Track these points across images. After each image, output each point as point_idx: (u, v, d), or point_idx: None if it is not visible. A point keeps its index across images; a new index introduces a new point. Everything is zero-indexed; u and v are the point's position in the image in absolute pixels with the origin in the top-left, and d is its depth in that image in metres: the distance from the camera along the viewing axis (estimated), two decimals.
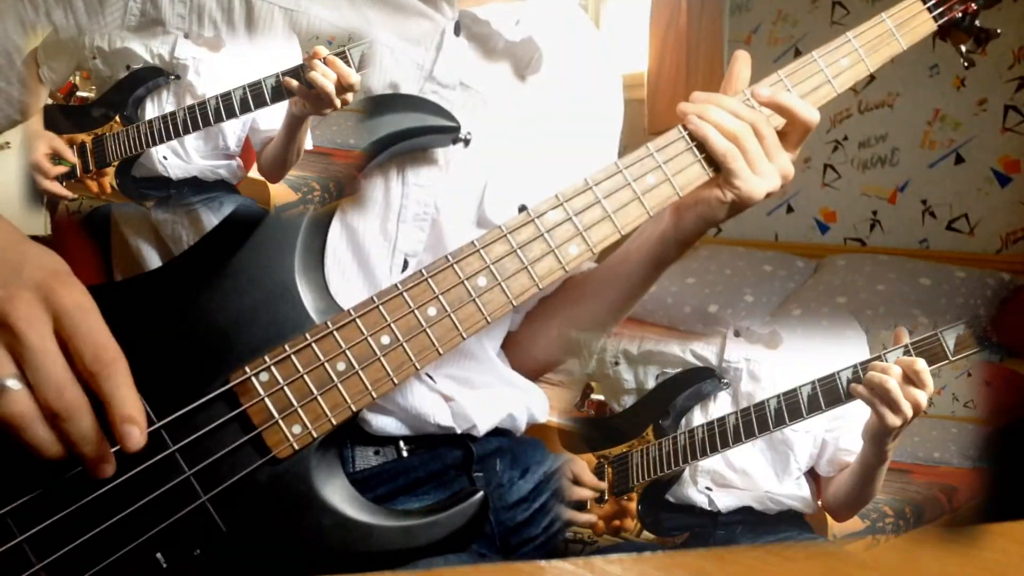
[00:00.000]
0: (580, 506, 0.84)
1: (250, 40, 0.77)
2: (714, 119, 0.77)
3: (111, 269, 0.83)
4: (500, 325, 0.91)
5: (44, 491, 0.63)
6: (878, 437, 0.78)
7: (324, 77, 0.73)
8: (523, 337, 0.95)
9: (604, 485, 0.84)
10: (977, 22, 0.89)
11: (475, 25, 0.82)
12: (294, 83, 0.73)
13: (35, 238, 0.65)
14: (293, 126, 0.75)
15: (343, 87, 0.73)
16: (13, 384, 0.57)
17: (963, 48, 0.90)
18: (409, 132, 0.75)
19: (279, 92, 0.74)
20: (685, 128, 0.78)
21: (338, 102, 0.73)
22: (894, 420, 0.76)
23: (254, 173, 0.77)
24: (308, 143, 0.75)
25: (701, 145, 0.78)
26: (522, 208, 0.76)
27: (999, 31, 0.90)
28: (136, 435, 0.58)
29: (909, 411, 0.76)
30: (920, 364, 0.76)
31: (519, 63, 0.86)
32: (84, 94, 0.76)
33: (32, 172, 0.75)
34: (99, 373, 0.58)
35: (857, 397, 0.78)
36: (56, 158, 0.75)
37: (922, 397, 0.76)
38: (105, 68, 0.75)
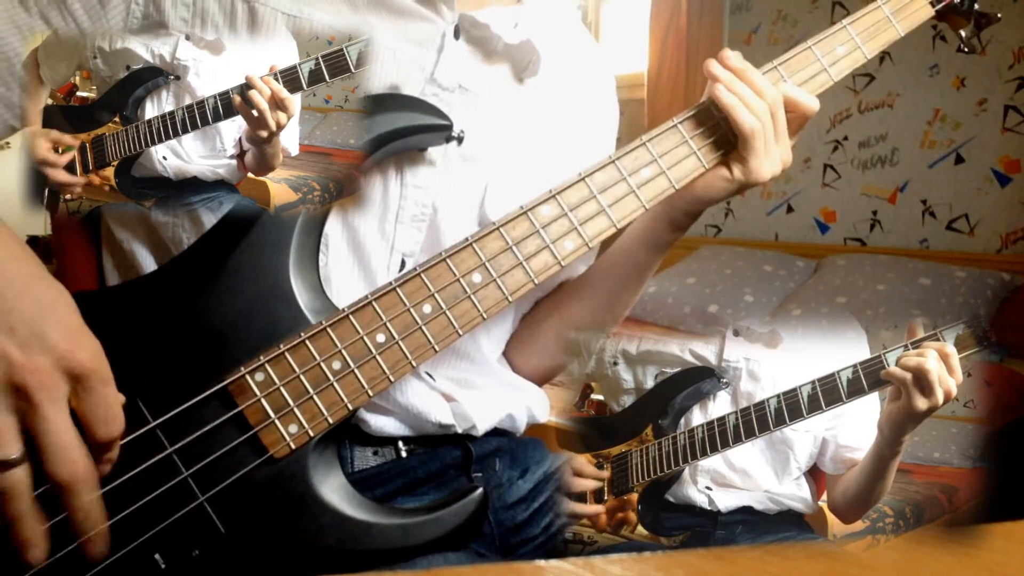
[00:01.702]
0: (582, 500, 0.84)
1: (252, 44, 0.77)
2: (741, 92, 0.76)
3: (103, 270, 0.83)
4: (501, 328, 0.90)
5: (42, 493, 0.63)
6: (900, 424, 0.76)
7: (260, 94, 0.73)
8: (521, 341, 0.94)
9: (606, 475, 0.83)
10: (976, 6, 0.88)
11: (474, 29, 0.82)
12: (238, 99, 0.74)
13: (35, 238, 0.65)
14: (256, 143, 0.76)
15: (277, 104, 0.73)
16: (13, 455, 0.57)
17: (962, 33, 0.89)
18: (402, 131, 0.75)
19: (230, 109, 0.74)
20: (680, 117, 0.77)
21: (272, 121, 0.73)
22: (923, 404, 0.75)
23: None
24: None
25: (698, 136, 0.77)
26: None
27: (999, 15, 0.89)
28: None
29: (941, 397, 0.75)
30: (951, 348, 0.75)
31: (517, 66, 0.86)
32: (84, 94, 0.76)
33: (41, 168, 0.75)
34: (107, 447, 0.60)
35: (891, 382, 0.76)
36: (59, 148, 0.75)
37: (952, 384, 0.75)
38: (105, 68, 0.75)
